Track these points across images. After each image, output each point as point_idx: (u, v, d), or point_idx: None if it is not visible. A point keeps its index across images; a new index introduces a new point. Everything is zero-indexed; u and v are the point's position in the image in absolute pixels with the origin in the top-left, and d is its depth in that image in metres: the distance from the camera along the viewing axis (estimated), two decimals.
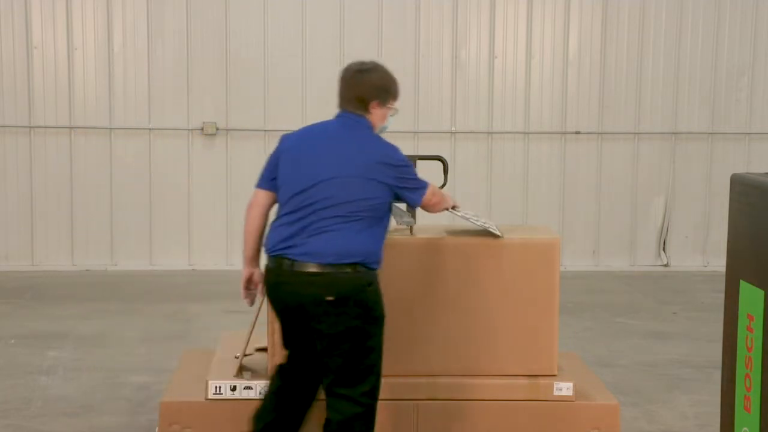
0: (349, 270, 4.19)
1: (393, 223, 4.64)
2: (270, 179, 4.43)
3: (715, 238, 10.57)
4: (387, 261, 4.54)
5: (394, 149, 4.37)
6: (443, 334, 4.82)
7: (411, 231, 4.89)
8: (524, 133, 10.66)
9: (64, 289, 9.39)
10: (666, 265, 10.88)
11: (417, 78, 10.43)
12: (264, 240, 4.44)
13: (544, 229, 5.35)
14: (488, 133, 10.61)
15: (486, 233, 4.85)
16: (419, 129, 10.17)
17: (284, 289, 4.30)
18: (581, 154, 10.76)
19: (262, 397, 4.63)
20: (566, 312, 7.35)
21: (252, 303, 4.60)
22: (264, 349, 5.01)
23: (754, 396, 3.67)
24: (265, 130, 10.39)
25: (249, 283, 4.55)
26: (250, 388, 4.81)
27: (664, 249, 10.91)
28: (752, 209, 3.71)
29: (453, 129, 10.54)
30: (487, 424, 4.81)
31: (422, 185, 4.42)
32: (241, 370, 4.90)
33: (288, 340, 4.44)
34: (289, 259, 4.23)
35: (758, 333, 3.64)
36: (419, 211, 4.65)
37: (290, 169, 4.34)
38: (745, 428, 3.74)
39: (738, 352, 3.78)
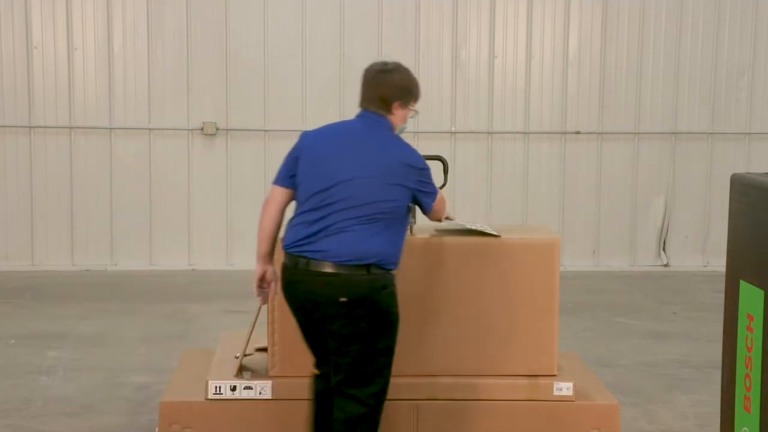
0: (363, 272, 4.17)
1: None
2: (288, 177, 4.40)
3: (715, 238, 10.57)
4: None
5: (416, 152, 4.38)
6: (443, 334, 4.82)
7: (411, 231, 4.89)
8: (524, 133, 10.66)
9: (64, 289, 9.39)
10: (666, 265, 10.88)
11: (417, 78, 10.38)
12: (282, 237, 4.40)
13: (544, 229, 5.35)
14: (488, 133, 10.61)
15: (485, 234, 4.86)
16: (419, 129, 10.16)
17: (299, 287, 4.29)
18: (581, 154, 10.76)
19: (261, 397, 4.63)
20: (566, 312, 7.35)
21: (265, 301, 4.56)
22: (264, 349, 5.01)
23: (754, 396, 3.67)
24: (265, 130, 10.39)
25: (262, 281, 4.47)
26: (250, 388, 4.81)
27: (664, 249, 10.91)
28: (752, 209, 3.71)
29: (453, 129, 10.55)
30: (487, 424, 4.81)
31: (435, 190, 4.42)
32: (241, 370, 4.90)
33: (306, 338, 4.43)
34: (305, 257, 4.22)
35: (758, 333, 3.64)
36: (418, 211, 4.66)
37: (310, 168, 4.32)
38: (745, 428, 3.74)
39: (738, 352, 3.78)
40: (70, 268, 10.28)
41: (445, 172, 5.09)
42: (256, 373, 4.90)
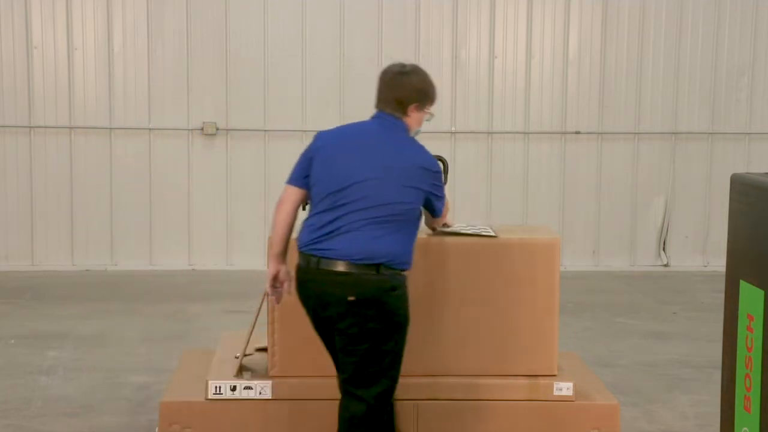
0: (373, 272, 4.18)
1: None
2: (302, 177, 4.40)
3: (715, 238, 10.57)
4: None
5: (431, 155, 4.39)
6: (443, 334, 4.82)
7: None
8: (524, 133, 10.66)
9: (64, 289, 9.39)
10: (666, 265, 10.88)
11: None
12: (297, 237, 4.40)
13: (544, 229, 5.35)
14: (488, 133, 10.61)
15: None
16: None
17: (310, 286, 4.30)
18: (581, 154, 10.76)
19: (261, 397, 4.63)
20: (566, 312, 7.35)
21: (279, 301, 4.54)
22: (264, 349, 5.01)
23: (754, 396, 3.67)
24: (265, 130, 10.39)
25: (275, 281, 4.47)
26: (250, 388, 4.81)
27: (664, 249, 10.91)
28: (752, 209, 3.71)
29: (453, 129, 10.55)
30: (487, 424, 4.81)
31: (444, 195, 4.45)
32: (241, 370, 4.90)
33: (321, 339, 4.44)
34: (316, 256, 4.23)
35: (758, 333, 3.64)
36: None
37: (324, 169, 4.31)
38: (745, 428, 3.74)
39: (738, 352, 3.78)
40: (70, 268, 10.28)
41: (445, 172, 5.08)
42: (256, 373, 4.90)
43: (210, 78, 10.32)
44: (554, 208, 10.72)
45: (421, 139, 4.49)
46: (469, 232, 4.90)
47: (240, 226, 10.43)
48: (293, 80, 10.37)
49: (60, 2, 10.12)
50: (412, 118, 4.41)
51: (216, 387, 4.81)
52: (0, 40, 10.11)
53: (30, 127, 10.20)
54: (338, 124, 11.18)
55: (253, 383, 4.82)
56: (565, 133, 10.71)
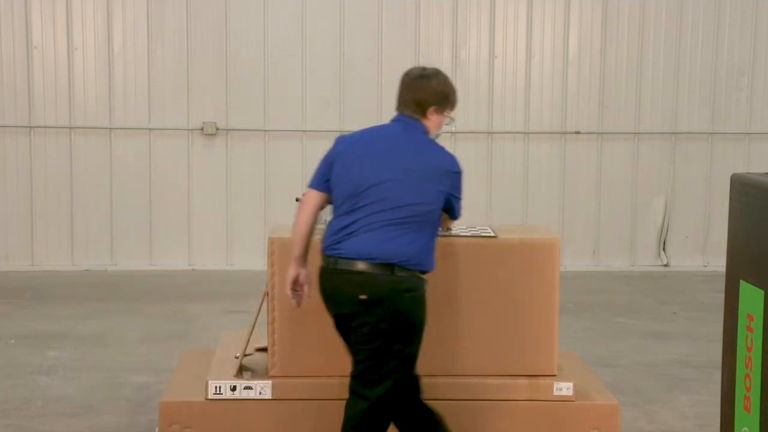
0: (387, 272, 4.20)
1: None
2: (323, 181, 4.43)
3: (715, 238, 10.57)
4: None
5: (453, 156, 4.40)
6: (443, 334, 4.82)
7: None
8: (524, 133, 10.66)
9: (64, 289, 9.39)
10: (666, 265, 10.88)
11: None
12: (321, 239, 4.44)
13: (544, 229, 5.35)
14: (488, 133, 10.61)
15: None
16: None
17: (328, 286, 4.35)
18: (581, 154, 10.76)
19: (261, 397, 4.63)
20: (566, 312, 7.36)
21: (299, 304, 4.55)
22: (264, 349, 5.01)
23: (754, 396, 3.67)
24: (265, 130, 10.39)
25: (295, 284, 4.49)
26: (250, 388, 4.82)
27: (664, 249, 10.91)
28: (752, 209, 3.71)
29: (453, 129, 10.54)
30: (487, 424, 4.81)
31: (461, 202, 4.46)
32: (241, 370, 4.90)
33: (341, 337, 4.45)
34: (334, 257, 4.28)
35: (758, 333, 3.64)
36: None
37: (344, 172, 4.35)
38: (745, 428, 3.74)
39: (738, 352, 3.78)
40: (70, 268, 10.27)
41: None
42: (256, 373, 4.91)
43: (210, 78, 10.32)
44: (554, 208, 10.72)
45: None
46: (468, 234, 4.90)
47: (240, 226, 10.43)
48: (293, 80, 10.37)
49: (60, 2, 10.11)
50: (432, 120, 4.43)
51: (216, 387, 4.82)
52: (0, 40, 10.10)
53: (30, 127, 10.20)
54: (338, 124, 11.27)
55: (253, 383, 4.82)
56: (565, 133, 10.71)
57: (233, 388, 4.82)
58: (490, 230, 5.00)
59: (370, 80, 10.40)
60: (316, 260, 4.42)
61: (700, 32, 10.72)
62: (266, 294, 4.88)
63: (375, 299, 4.19)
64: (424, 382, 4.76)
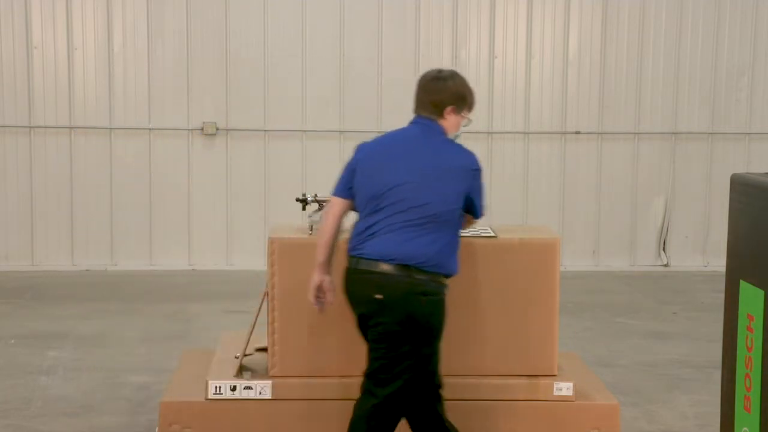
0: (404, 273, 4.21)
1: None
2: (346, 188, 4.45)
3: (715, 238, 10.57)
4: None
5: (472, 154, 4.40)
6: (444, 334, 4.81)
7: None
8: (524, 133, 10.66)
9: (64, 289, 9.39)
10: (666, 265, 10.88)
11: (417, 78, 10.39)
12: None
13: (544, 229, 5.35)
14: (488, 133, 10.61)
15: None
16: None
17: (350, 286, 4.38)
18: (581, 154, 10.76)
19: (261, 397, 4.63)
20: (566, 312, 7.35)
21: (322, 311, 4.55)
22: (264, 349, 5.01)
23: (754, 396, 3.67)
24: (265, 130, 10.39)
25: (319, 291, 4.50)
26: (250, 388, 4.81)
27: (664, 249, 10.91)
28: (752, 209, 3.71)
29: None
30: (487, 424, 4.81)
31: (484, 201, 4.46)
32: (241, 370, 4.90)
33: (363, 337, 4.46)
34: (356, 257, 4.32)
35: (758, 333, 3.64)
36: None
37: (365, 176, 4.38)
38: (745, 428, 3.74)
39: (738, 352, 3.78)
40: (70, 268, 10.28)
41: None
42: (256, 373, 4.91)
43: (210, 78, 10.32)
44: (554, 208, 10.72)
45: None
46: (468, 234, 4.90)
47: (240, 226, 10.43)
48: (293, 80, 10.37)
49: (60, 2, 10.11)
50: (449, 121, 4.43)
51: (216, 387, 4.82)
52: (0, 40, 10.10)
53: (30, 127, 10.20)
54: (338, 124, 11.28)
55: (253, 383, 4.82)
56: (565, 133, 10.71)
57: (233, 388, 4.82)
58: (490, 230, 5.00)
59: (370, 80, 10.40)
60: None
61: (700, 32, 10.72)
62: (266, 294, 4.88)
63: (390, 300, 4.21)
64: None
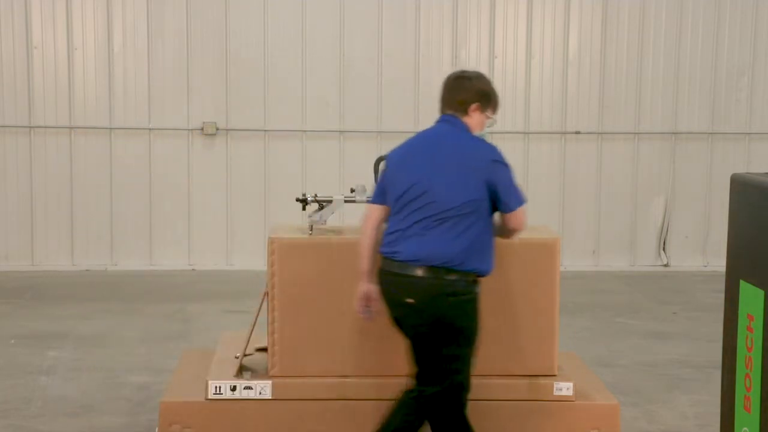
0: (430, 275, 4.22)
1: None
2: (381, 194, 4.49)
3: (715, 238, 10.57)
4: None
5: (491, 145, 4.41)
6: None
7: None
8: (524, 133, 10.65)
9: (64, 289, 9.39)
10: (666, 265, 10.88)
11: (417, 78, 10.42)
12: None
13: (544, 229, 5.35)
14: (488, 133, 10.58)
15: None
16: (419, 129, 10.09)
17: (383, 288, 4.40)
18: (581, 154, 10.76)
19: (261, 397, 4.63)
20: (566, 312, 7.35)
21: (371, 319, 4.56)
22: (264, 349, 5.01)
23: (754, 396, 3.67)
24: (265, 130, 10.39)
25: (366, 300, 4.50)
26: (250, 388, 4.82)
27: (664, 249, 10.90)
28: (752, 209, 3.71)
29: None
30: (487, 424, 4.80)
31: (520, 195, 4.42)
32: (241, 370, 4.91)
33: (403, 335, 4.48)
34: (387, 259, 4.34)
35: (758, 333, 3.64)
36: None
37: (393, 177, 4.42)
38: (745, 428, 3.74)
39: (738, 352, 3.78)
40: (70, 268, 10.28)
41: None
42: (256, 373, 4.91)
43: (210, 78, 10.32)
44: (554, 208, 10.71)
45: None
46: None
47: (240, 226, 10.42)
48: (293, 80, 10.37)
49: (60, 2, 10.11)
50: (474, 119, 4.46)
51: (216, 387, 4.82)
52: (0, 40, 10.10)
53: (30, 127, 10.20)
54: (338, 124, 11.27)
55: (253, 383, 4.82)
56: (565, 133, 10.71)
57: (233, 388, 4.82)
58: None
59: (370, 80, 10.40)
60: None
61: (700, 32, 10.72)
62: (266, 294, 4.88)
63: (421, 304, 4.23)
64: None
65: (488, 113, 4.50)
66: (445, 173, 4.27)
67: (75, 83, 10.20)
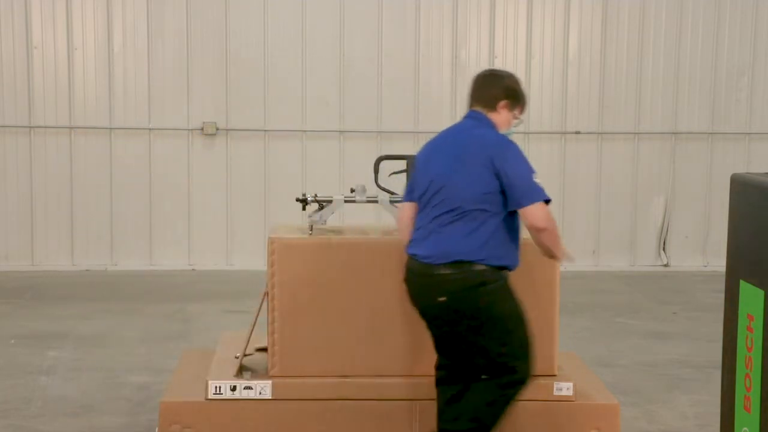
0: (455, 270, 4.22)
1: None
2: (411, 191, 4.51)
3: (715, 238, 10.57)
4: (389, 262, 4.54)
5: (501, 135, 4.38)
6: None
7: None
8: (524, 133, 10.65)
9: (64, 289, 9.39)
10: (666, 265, 10.88)
11: (417, 78, 10.43)
12: None
13: None
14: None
15: None
16: (419, 129, 10.16)
17: (409, 288, 4.42)
18: (581, 154, 10.76)
19: (261, 397, 4.62)
20: (566, 312, 7.35)
21: None
22: (264, 349, 5.01)
23: (754, 396, 3.67)
24: (265, 130, 10.39)
25: None
26: (250, 388, 4.81)
27: (664, 249, 10.90)
28: (752, 209, 3.71)
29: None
30: None
31: (537, 191, 4.32)
32: (241, 370, 4.90)
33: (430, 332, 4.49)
34: (412, 259, 4.36)
35: (758, 333, 3.64)
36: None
37: (418, 175, 4.44)
38: (745, 428, 3.74)
39: (738, 352, 3.78)
40: (70, 268, 10.28)
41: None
42: (256, 373, 4.91)
43: (210, 78, 10.32)
44: (554, 208, 10.63)
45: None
46: None
47: (240, 226, 10.42)
48: (293, 80, 10.37)
49: (60, 2, 10.11)
50: (502, 115, 4.44)
51: (216, 387, 4.81)
52: (0, 40, 10.10)
53: (30, 127, 10.20)
54: (338, 124, 11.25)
55: (253, 383, 4.82)
56: (565, 133, 10.71)
57: (233, 388, 4.81)
58: None
59: (370, 80, 10.40)
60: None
61: (700, 32, 10.72)
62: (266, 294, 4.88)
63: (451, 300, 4.22)
64: (425, 382, 4.77)
65: (516, 112, 4.49)
66: (461, 168, 4.26)
67: (75, 83, 10.20)
